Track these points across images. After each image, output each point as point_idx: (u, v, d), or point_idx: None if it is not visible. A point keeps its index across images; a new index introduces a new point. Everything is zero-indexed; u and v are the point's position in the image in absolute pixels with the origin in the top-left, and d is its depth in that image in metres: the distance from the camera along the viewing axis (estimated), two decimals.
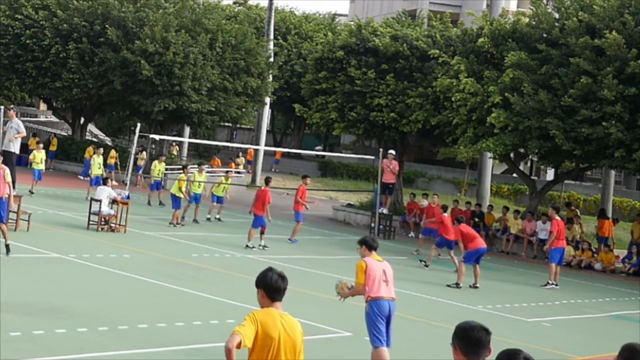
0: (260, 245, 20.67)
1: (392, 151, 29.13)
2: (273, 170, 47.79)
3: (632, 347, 4.47)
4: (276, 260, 18.74)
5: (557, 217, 20.59)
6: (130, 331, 10.93)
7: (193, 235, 21.88)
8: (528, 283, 20.81)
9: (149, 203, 28.36)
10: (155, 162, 30.06)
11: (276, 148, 51.78)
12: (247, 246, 20.49)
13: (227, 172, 29.01)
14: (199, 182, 24.91)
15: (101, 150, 30.45)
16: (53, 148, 39.36)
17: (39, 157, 28.02)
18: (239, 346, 5.39)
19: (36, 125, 47.86)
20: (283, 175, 45.32)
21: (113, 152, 35.29)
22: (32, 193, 26.23)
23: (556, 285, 20.22)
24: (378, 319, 9.63)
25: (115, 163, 34.39)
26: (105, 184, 21.64)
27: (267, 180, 22.20)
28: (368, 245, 9.92)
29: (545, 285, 20.17)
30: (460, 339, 4.38)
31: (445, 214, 21.66)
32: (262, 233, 20.73)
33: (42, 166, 27.97)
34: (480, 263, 18.96)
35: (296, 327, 5.71)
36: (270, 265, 5.93)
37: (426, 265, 21.09)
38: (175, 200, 23.61)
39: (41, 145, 29.84)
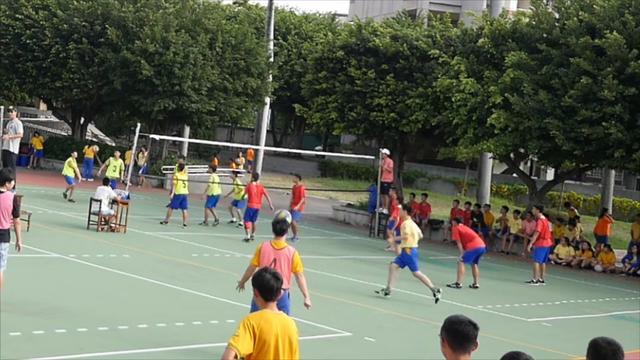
0: (252, 237, 21.75)
1: (385, 150, 29.00)
2: (248, 170, 47.22)
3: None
4: None
5: (542, 217, 20.74)
6: (130, 331, 10.93)
7: (193, 235, 21.88)
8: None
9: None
10: (176, 166, 29.84)
11: (274, 148, 51.79)
12: (251, 238, 21.55)
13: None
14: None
15: (118, 153, 29.08)
16: (39, 147, 39.28)
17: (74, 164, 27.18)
18: (235, 358, 5.40)
19: (36, 125, 47.82)
20: (283, 175, 45.33)
21: (129, 153, 34.89)
22: (72, 201, 26.01)
23: (542, 282, 20.36)
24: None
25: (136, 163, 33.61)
26: (105, 184, 21.64)
27: (257, 176, 23.86)
28: (274, 229, 10.11)
29: (530, 282, 20.43)
30: (448, 332, 4.53)
31: (400, 206, 21.69)
32: (249, 227, 22.12)
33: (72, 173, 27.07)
34: (480, 263, 18.99)
35: (291, 327, 5.71)
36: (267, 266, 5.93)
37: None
38: (184, 200, 23.60)
39: (75, 154, 28.89)
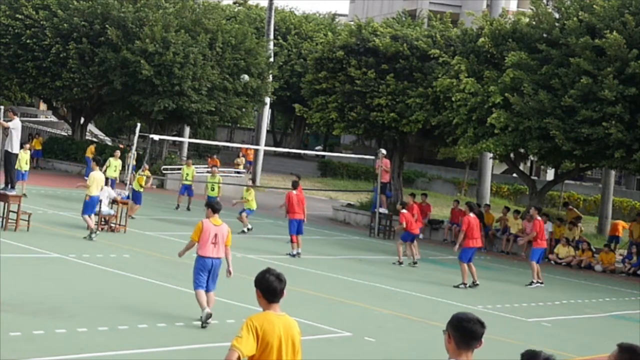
0: (297, 252, 20.52)
1: (382, 150, 29.06)
2: (248, 171, 47.23)
3: (633, 349, 4.48)
4: (276, 260, 18.75)
5: (539, 217, 20.61)
6: (130, 331, 10.93)
7: None
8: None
9: (177, 207, 28.15)
10: (184, 167, 30.02)
11: (274, 148, 51.75)
12: (297, 254, 20.33)
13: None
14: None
15: (118, 153, 28.94)
16: (38, 147, 39.27)
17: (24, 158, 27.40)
18: (238, 359, 5.40)
19: (36, 125, 47.85)
20: (283, 176, 45.32)
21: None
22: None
23: (541, 283, 20.25)
24: (200, 271, 11.78)
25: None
26: (105, 184, 21.62)
27: (295, 184, 21.58)
28: (212, 208, 11.99)
29: (530, 284, 20.17)
30: (456, 328, 4.56)
31: (404, 211, 21.47)
32: (295, 241, 20.58)
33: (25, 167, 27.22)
34: (480, 263, 18.98)
35: (294, 328, 5.70)
36: (269, 266, 5.92)
37: (400, 263, 20.92)
38: (135, 195, 24.09)
39: (27, 146, 29.14)
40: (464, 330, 4.53)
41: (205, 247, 11.72)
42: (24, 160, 26.96)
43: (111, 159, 28.44)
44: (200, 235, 11.71)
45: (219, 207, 12.11)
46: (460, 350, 4.54)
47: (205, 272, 11.76)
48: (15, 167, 26.54)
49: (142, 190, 24.33)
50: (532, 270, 20.35)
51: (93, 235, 18.73)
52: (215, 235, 11.75)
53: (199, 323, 11.75)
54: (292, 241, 20.43)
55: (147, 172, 25.35)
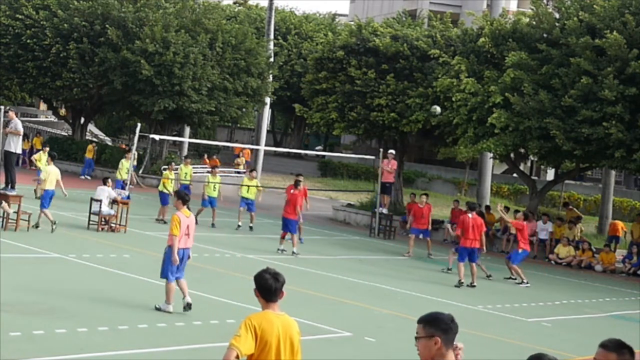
0: (280, 249, 20.73)
1: (391, 151, 29.20)
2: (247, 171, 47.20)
3: (628, 347, 4.44)
4: (276, 260, 18.74)
5: (525, 222, 20.58)
6: (130, 331, 10.94)
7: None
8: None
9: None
10: (181, 166, 30.01)
11: (274, 148, 51.73)
12: (280, 250, 20.62)
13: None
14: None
15: (130, 154, 29.06)
16: (39, 147, 39.25)
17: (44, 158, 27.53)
18: (237, 358, 5.40)
19: (36, 125, 47.84)
20: (283, 176, 45.36)
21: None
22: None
23: (512, 278, 20.19)
24: (172, 262, 12.10)
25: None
26: (105, 183, 21.63)
27: (297, 183, 21.32)
28: (182, 199, 12.30)
29: (521, 283, 20.00)
30: (444, 331, 4.56)
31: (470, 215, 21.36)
32: (283, 237, 20.73)
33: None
34: (480, 263, 19.00)
35: (293, 327, 5.70)
36: (268, 266, 5.92)
37: (449, 269, 20.83)
38: (163, 197, 24.07)
39: (46, 148, 29.22)
40: (449, 332, 4.56)
41: (180, 239, 12.15)
42: (44, 162, 26.86)
43: (123, 160, 28.38)
44: (179, 229, 12.07)
45: (188, 198, 12.51)
46: (447, 351, 4.55)
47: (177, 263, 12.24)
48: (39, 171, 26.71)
49: (166, 191, 24.19)
50: (517, 272, 20.09)
51: (54, 227, 19.03)
52: (187, 226, 12.23)
53: (199, 323, 11.76)
54: (281, 237, 20.81)
55: (172, 174, 25.18)
